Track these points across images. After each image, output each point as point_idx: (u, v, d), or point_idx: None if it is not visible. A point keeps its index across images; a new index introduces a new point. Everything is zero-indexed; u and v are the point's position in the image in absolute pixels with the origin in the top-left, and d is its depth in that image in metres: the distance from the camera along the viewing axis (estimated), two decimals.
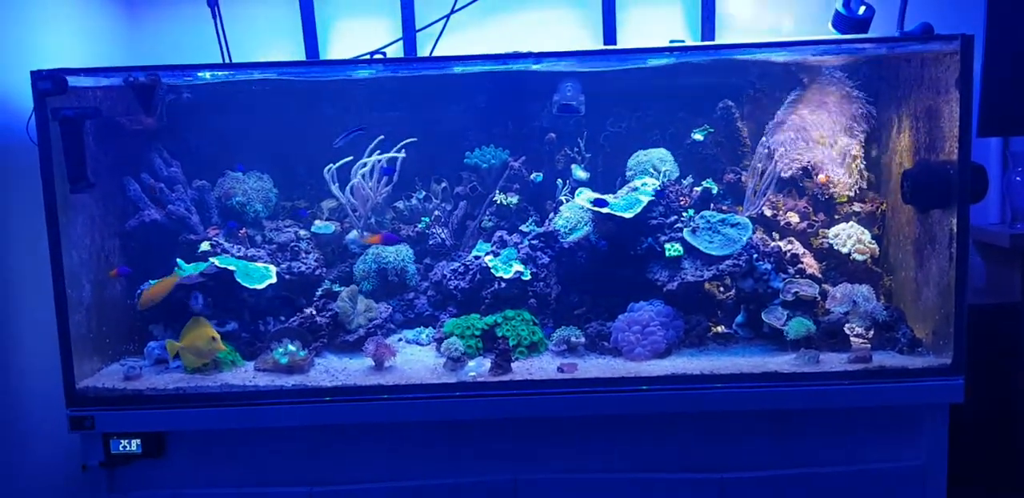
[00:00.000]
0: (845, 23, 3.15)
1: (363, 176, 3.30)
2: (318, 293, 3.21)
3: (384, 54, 3.23)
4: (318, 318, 3.09)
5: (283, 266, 3.25)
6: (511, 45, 3.38)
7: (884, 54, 3.25)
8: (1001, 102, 3.34)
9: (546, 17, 3.75)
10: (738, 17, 3.67)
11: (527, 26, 3.75)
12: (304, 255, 3.32)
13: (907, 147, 3.22)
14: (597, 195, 3.29)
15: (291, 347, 2.98)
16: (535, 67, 3.09)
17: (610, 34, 3.70)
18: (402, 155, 3.28)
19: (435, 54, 3.59)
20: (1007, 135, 3.71)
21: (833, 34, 3.19)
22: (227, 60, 3.61)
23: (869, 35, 3.09)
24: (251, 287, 3.06)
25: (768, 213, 3.41)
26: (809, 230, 3.40)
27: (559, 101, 3.21)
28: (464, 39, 3.69)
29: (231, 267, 3.04)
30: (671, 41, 2.97)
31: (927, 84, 3.01)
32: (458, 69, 3.35)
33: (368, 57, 3.26)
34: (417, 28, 3.76)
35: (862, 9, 3.12)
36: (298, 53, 3.72)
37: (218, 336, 2.92)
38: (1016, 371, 3.50)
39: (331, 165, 3.23)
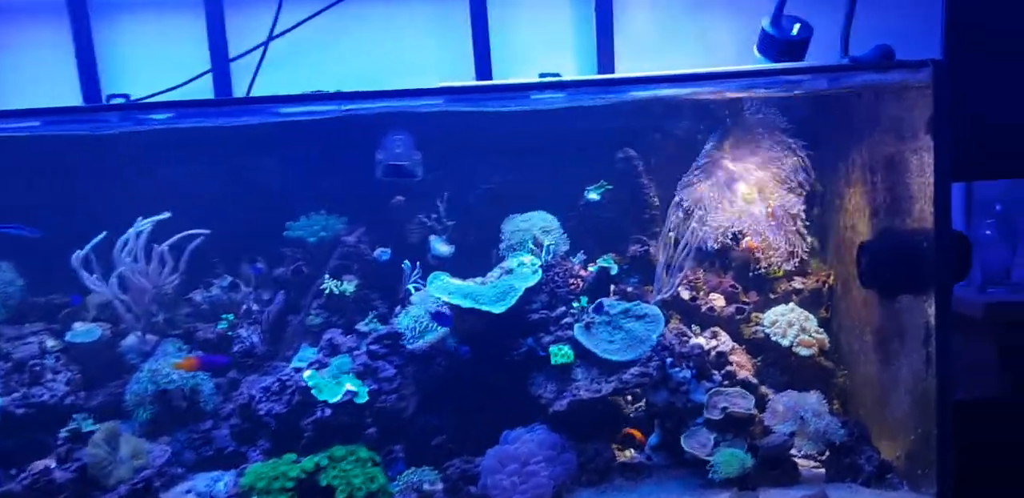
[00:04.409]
0: (775, 46, 2.40)
1: (133, 260, 2.40)
2: (61, 435, 2.26)
3: (127, 97, 2.36)
4: (57, 473, 2.18)
5: (15, 395, 2.31)
6: (357, 79, 2.61)
7: (826, 87, 2.49)
8: (968, 138, 2.61)
9: (403, 43, 2.89)
10: (642, 46, 2.85)
11: (380, 55, 2.88)
12: (50, 376, 2.38)
13: (860, 206, 2.53)
14: (459, 281, 2.45)
15: None
16: (376, 106, 2.33)
17: (483, 66, 2.85)
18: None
19: (255, 91, 2.80)
20: (979, 179, 3.00)
21: (760, 61, 2.41)
22: None
23: (807, 63, 2.33)
24: None
25: (686, 296, 2.63)
26: (739, 316, 2.63)
27: (384, 161, 2.38)
28: (303, 69, 2.86)
29: None
30: (541, 75, 2.16)
31: (885, 126, 2.42)
32: (285, 110, 2.55)
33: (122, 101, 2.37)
34: (231, 57, 2.87)
35: (796, 28, 2.35)
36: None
37: None
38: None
39: (80, 251, 2.33)
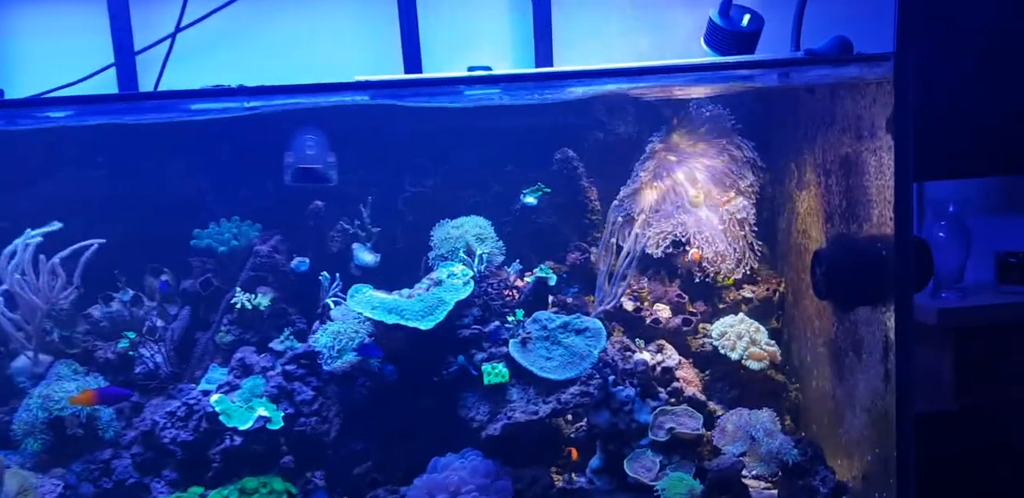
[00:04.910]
0: (724, 38, 2.23)
1: (21, 274, 2.15)
2: None
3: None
4: None
5: None
6: (276, 73, 2.35)
7: (778, 83, 2.32)
8: (920, 136, 2.48)
9: (325, 35, 2.65)
10: (583, 38, 2.65)
11: (301, 48, 2.65)
12: None
13: (813, 210, 2.36)
14: (383, 294, 2.24)
15: None
16: (290, 102, 2.10)
17: (412, 60, 2.63)
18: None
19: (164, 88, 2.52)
20: (932, 179, 2.88)
21: (708, 55, 2.24)
22: None
23: (759, 56, 2.16)
24: None
25: (629, 306, 2.44)
26: (685, 328, 2.45)
27: (294, 164, 2.14)
28: (217, 63, 2.60)
29: None
30: (470, 69, 1.96)
31: (841, 124, 2.24)
32: (196, 107, 2.32)
33: None
34: (136, 50, 2.62)
35: (746, 19, 2.18)
36: None
37: None
38: None
39: None
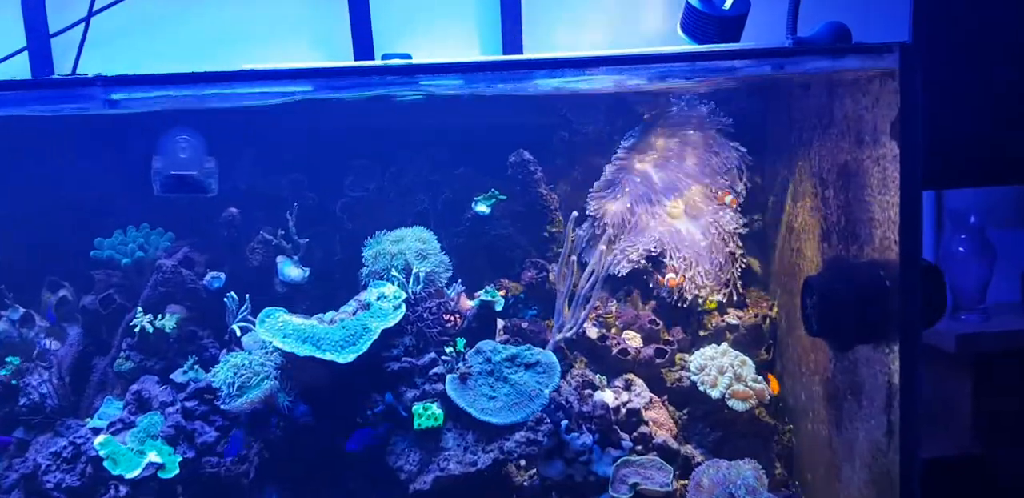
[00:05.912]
0: (703, 24, 1.89)
1: None
2: None
3: None
4: None
5: None
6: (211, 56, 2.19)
7: (768, 76, 1.98)
8: (939, 139, 2.13)
9: (266, 17, 2.34)
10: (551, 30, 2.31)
11: (240, 29, 2.35)
12: None
13: (809, 226, 2.02)
14: (300, 319, 1.93)
15: None
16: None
17: (363, 44, 2.31)
18: None
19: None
20: (950, 187, 2.60)
21: (685, 42, 1.90)
22: None
23: (732, 46, 1.82)
24: None
25: (593, 334, 2.10)
26: (659, 359, 2.11)
27: (164, 170, 1.82)
28: (148, 45, 2.31)
29: None
30: (384, 56, 1.64)
31: (840, 127, 1.89)
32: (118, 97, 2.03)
33: None
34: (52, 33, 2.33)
35: (729, 1, 1.83)
36: None
37: None
38: None
39: None
